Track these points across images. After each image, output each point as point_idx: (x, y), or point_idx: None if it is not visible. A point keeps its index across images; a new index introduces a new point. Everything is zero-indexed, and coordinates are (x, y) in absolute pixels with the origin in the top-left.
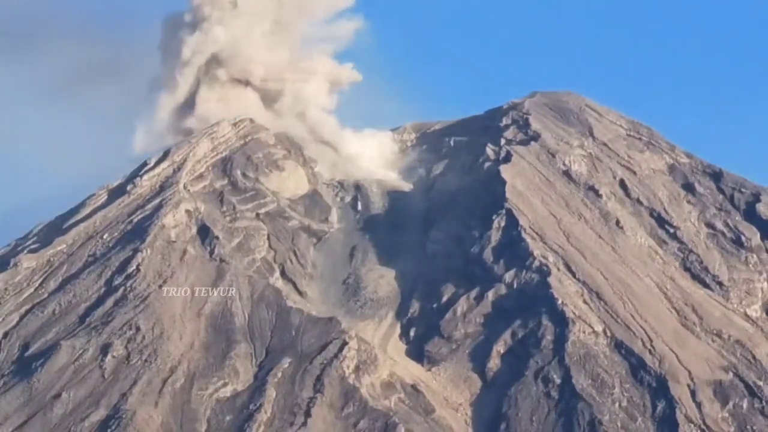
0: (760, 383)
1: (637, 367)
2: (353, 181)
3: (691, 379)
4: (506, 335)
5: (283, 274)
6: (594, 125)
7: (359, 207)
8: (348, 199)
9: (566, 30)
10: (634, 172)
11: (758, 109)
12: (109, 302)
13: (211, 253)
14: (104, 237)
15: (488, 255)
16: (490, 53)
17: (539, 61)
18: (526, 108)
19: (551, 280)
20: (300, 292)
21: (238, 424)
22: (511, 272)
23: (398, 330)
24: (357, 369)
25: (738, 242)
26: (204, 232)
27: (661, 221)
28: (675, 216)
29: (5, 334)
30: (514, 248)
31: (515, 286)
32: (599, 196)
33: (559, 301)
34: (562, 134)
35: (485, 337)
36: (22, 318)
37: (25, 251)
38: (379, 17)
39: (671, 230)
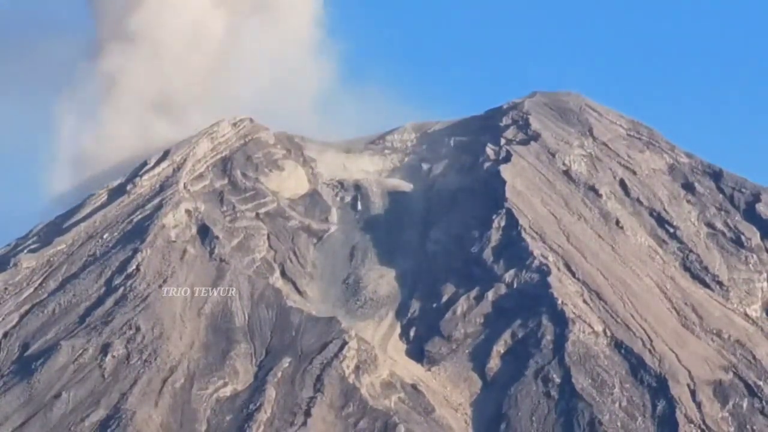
0: (760, 383)
1: (637, 366)
2: (353, 181)
3: (691, 379)
4: (506, 335)
5: (283, 274)
6: (594, 125)
7: (359, 207)
8: (348, 199)
9: (566, 30)
10: (634, 172)
11: (758, 109)
12: (109, 302)
13: (211, 253)
14: (104, 237)
15: (488, 255)
16: (490, 53)
17: (539, 61)
18: (526, 108)
19: (551, 279)
20: (300, 292)
21: (238, 424)
22: (511, 272)
23: (398, 330)
24: (357, 369)
25: (738, 242)
26: (204, 232)
27: (661, 221)
28: (675, 216)
29: (5, 334)
30: (514, 248)
31: (515, 285)
32: (599, 196)
33: (559, 301)
34: (562, 134)
35: (485, 337)
36: (22, 318)
37: (25, 251)
38: (379, 16)
39: (671, 230)
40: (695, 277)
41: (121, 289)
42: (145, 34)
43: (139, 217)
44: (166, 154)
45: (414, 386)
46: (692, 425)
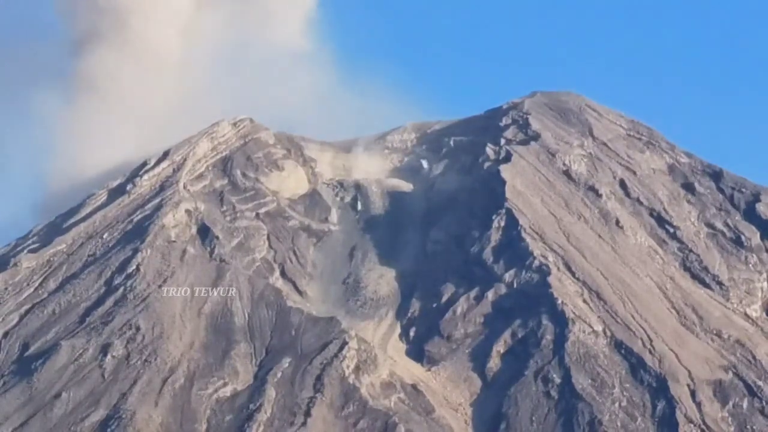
0: (760, 383)
1: (636, 366)
2: (353, 181)
3: (691, 379)
4: (506, 335)
5: (283, 274)
6: (594, 125)
7: (359, 207)
8: (348, 199)
9: (566, 30)
10: (634, 172)
11: (758, 109)
12: (109, 302)
13: (211, 253)
14: (104, 237)
15: (488, 255)
16: (490, 53)
17: (539, 61)
18: (526, 108)
19: (551, 279)
20: (300, 292)
21: (238, 424)
22: (511, 272)
23: (398, 330)
24: (357, 369)
25: (738, 242)
26: (204, 232)
27: (661, 221)
28: (675, 216)
29: (5, 334)
30: (514, 248)
31: (515, 285)
32: (599, 196)
33: (559, 301)
34: (562, 134)
35: (485, 337)
36: (22, 318)
37: (25, 251)
38: (379, 16)
39: (671, 230)
40: (695, 277)
41: (121, 289)
42: (131, 36)
43: (139, 217)
44: (166, 154)
45: (414, 386)
46: (692, 425)
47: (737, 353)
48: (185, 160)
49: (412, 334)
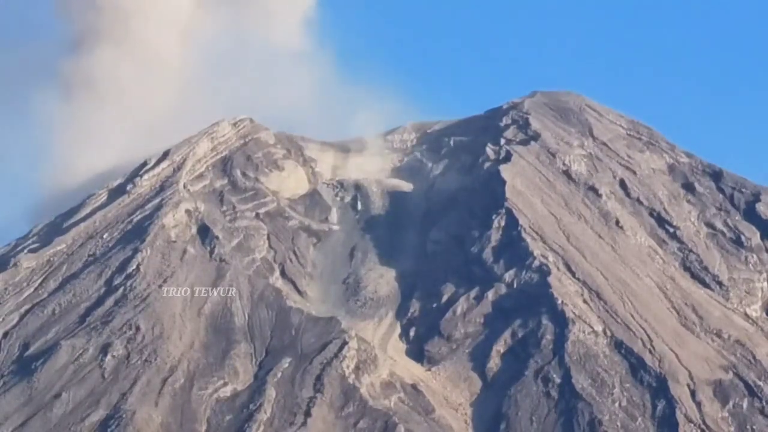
0: (760, 383)
1: (637, 366)
2: (353, 181)
3: (691, 379)
4: (506, 335)
5: (283, 274)
6: (594, 125)
7: (359, 207)
8: (348, 199)
9: (566, 30)
10: (634, 172)
11: (758, 109)
12: (109, 302)
13: (211, 252)
14: (104, 237)
15: (488, 255)
16: (490, 53)
17: (539, 61)
18: (526, 108)
19: (551, 279)
20: (300, 292)
21: (238, 424)
22: (511, 272)
23: (398, 330)
24: (357, 369)
25: (738, 242)
26: (204, 232)
27: (661, 221)
28: (675, 216)
29: (5, 334)
30: (514, 248)
31: (515, 285)
32: (599, 195)
33: (559, 301)
34: (562, 134)
35: (485, 337)
36: (22, 318)
37: (25, 251)
38: (379, 16)
39: (671, 230)
40: (695, 277)
41: (121, 289)
42: (130, 36)
43: (139, 217)
44: (165, 154)
45: (414, 386)
46: (692, 425)
47: (737, 353)
48: (185, 160)
49: (412, 334)
